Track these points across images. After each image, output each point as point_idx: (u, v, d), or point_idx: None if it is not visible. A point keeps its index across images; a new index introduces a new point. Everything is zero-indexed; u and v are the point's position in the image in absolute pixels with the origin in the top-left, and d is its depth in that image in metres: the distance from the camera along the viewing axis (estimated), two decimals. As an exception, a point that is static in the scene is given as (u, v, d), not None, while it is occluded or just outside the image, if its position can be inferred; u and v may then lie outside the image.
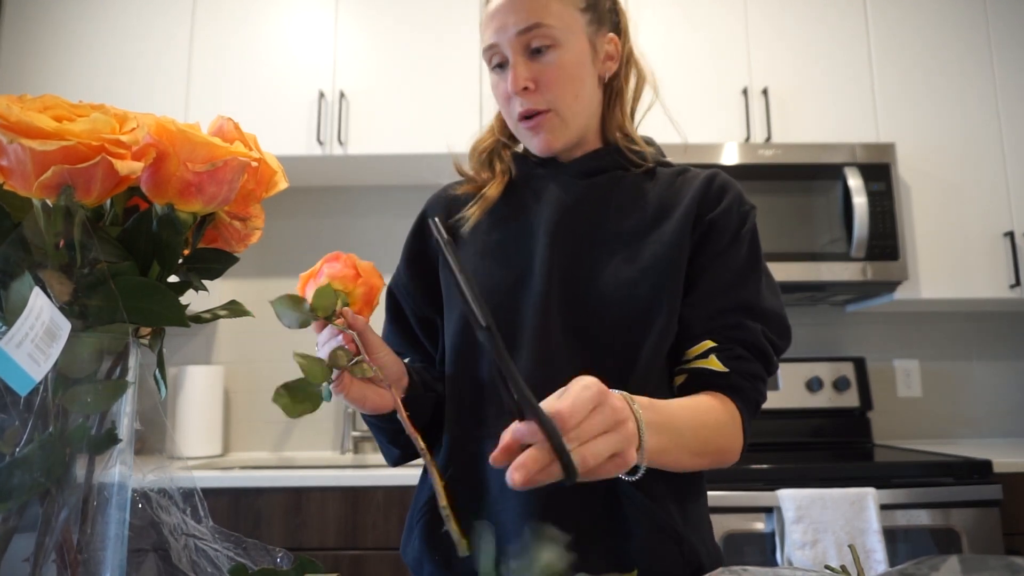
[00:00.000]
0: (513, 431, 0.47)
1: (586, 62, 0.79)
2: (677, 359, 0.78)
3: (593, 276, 0.76)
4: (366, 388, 0.67)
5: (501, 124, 0.89)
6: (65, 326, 0.35)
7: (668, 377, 0.78)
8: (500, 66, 0.80)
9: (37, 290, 0.34)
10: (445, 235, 0.50)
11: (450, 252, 0.49)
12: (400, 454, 0.82)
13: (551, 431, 0.46)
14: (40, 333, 0.34)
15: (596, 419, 0.50)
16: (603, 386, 0.52)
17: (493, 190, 0.84)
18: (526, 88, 0.77)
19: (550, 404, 0.49)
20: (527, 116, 0.79)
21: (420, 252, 0.88)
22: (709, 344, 0.74)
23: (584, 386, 0.51)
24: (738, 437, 0.73)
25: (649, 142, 0.87)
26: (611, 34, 0.83)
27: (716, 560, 0.75)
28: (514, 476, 0.46)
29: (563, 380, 0.71)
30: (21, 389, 0.33)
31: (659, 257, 0.76)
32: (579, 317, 0.75)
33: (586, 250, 0.78)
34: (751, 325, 0.74)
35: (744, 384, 0.74)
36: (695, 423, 0.68)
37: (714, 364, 0.73)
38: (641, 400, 0.59)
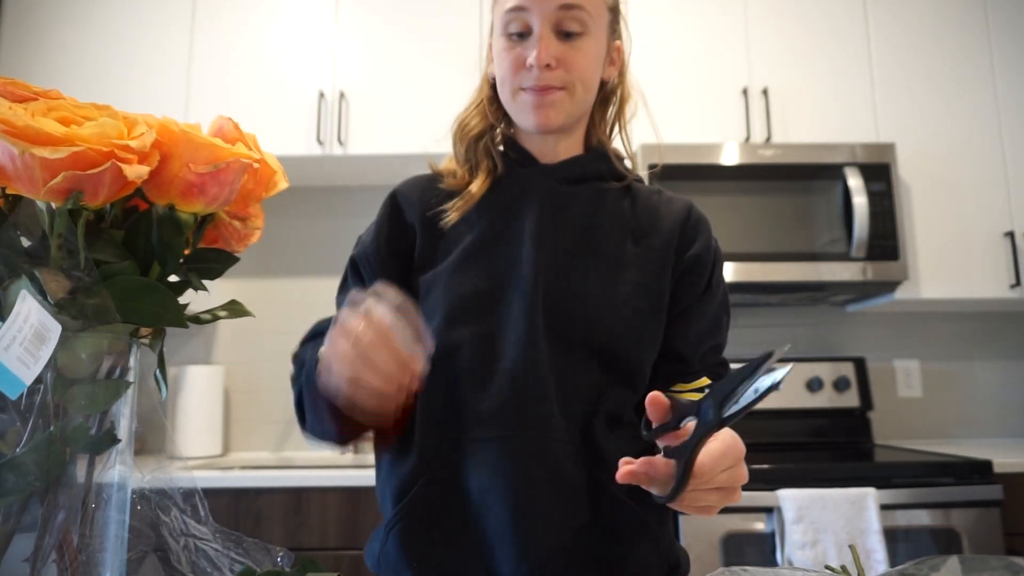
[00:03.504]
0: (651, 462, 0.55)
1: (601, 57, 0.81)
2: (657, 375, 0.80)
3: (578, 290, 0.76)
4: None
5: (496, 109, 0.85)
6: (55, 328, 0.35)
7: (645, 386, 0.78)
8: (520, 35, 0.77)
9: (24, 293, 0.34)
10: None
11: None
12: (339, 433, 0.71)
13: (683, 480, 0.54)
14: (29, 336, 0.34)
15: (719, 478, 0.58)
16: (743, 449, 0.61)
17: (478, 187, 0.81)
18: (548, 65, 0.76)
19: (703, 450, 0.55)
20: (538, 89, 0.76)
21: (398, 233, 0.83)
22: (706, 381, 0.80)
23: (728, 448, 0.59)
24: None
25: (622, 157, 0.88)
26: (618, 42, 0.85)
27: (686, 557, 0.79)
28: (633, 470, 0.55)
29: (545, 388, 0.73)
30: (11, 392, 0.33)
31: (641, 283, 0.78)
32: (564, 327, 0.75)
33: (571, 261, 0.78)
34: (727, 363, 0.86)
35: None
36: None
37: None
38: None
